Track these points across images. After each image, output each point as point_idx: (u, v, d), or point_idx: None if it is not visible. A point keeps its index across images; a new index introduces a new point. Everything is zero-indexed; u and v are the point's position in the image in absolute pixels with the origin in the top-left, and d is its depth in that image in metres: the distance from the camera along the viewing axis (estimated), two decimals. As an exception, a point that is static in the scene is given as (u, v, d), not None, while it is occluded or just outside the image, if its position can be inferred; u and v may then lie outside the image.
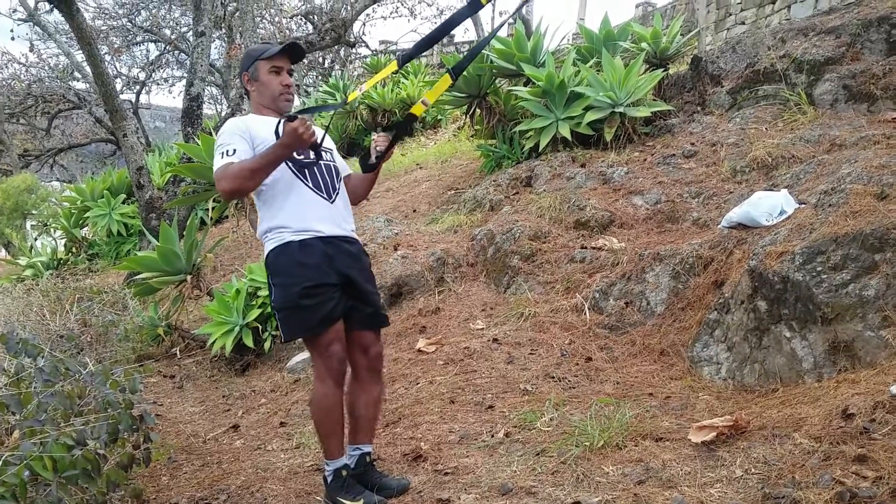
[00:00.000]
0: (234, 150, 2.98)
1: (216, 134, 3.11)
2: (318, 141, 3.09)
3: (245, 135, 3.04)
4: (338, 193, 3.18)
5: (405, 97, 12.75)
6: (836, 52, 6.17)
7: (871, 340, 3.29)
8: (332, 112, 3.15)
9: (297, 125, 2.81)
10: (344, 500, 2.97)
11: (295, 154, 3.05)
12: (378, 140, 3.25)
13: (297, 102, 20.57)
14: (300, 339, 3.23)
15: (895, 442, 2.55)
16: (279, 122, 2.93)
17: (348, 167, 3.41)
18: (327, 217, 3.10)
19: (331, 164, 3.22)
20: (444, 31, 3.10)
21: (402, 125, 3.59)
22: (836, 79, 5.98)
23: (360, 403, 3.19)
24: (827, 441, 2.71)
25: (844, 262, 3.50)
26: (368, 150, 3.30)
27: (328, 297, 3.01)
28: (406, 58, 3.19)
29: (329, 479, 3.09)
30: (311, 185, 3.09)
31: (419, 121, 13.40)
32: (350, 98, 3.21)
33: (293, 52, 3.23)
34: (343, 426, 3.11)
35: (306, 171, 3.10)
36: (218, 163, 2.98)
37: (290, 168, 3.06)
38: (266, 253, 3.12)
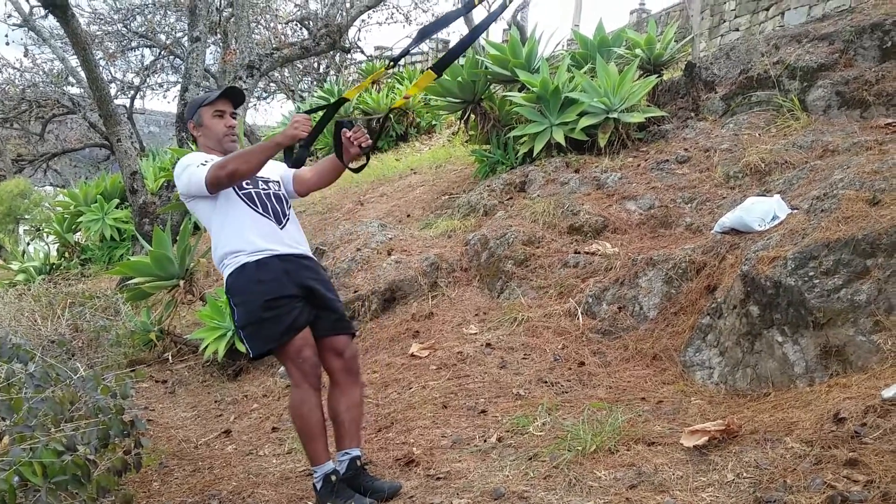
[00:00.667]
0: (208, 161, 3.11)
1: (176, 169, 3.21)
2: (301, 144, 3.09)
3: (207, 158, 3.17)
4: (288, 219, 3.28)
5: (400, 102, 12.74)
6: (829, 59, 6.20)
7: (862, 345, 3.29)
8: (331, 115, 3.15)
9: (301, 117, 2.95)
10: None
11: (243, 182, 3.17)
12: (359, 136, 3.15)
13: (291, 108, 20.57)
14: (264, 355, 3.25)
15: (886, 446, 2.55)
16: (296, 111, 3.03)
17: (288, 169, 3.40)
18: (280, 240, 3.18)
19: (279, 192, 3.33)
20: (436, 27, 3.10)
21: (384, 120, 3.67)
22: (829, 85, 6.00)
23: (341, 408, 3.21)
24: (818, 445, 2.71)
25: (836, 267, 3.51)
26: (340, 143, 3.20)
27: (290, 307, 3.07)
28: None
29: (319, 486, 3.08)
30: (260, 211, 3.19)
31: (414, 126, 13.40)
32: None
33: (234, 95, 3.38)
34: (325, 429, 3.13)
35: (255, 198, 3.20)
36: (201, 169, 3.08)
37: (239, 197, 3.16)
38: (225, 279, 3.19)
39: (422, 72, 15.77)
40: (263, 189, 3.26)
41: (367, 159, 3.31)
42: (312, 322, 3.16)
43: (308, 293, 3.15)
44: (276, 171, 3.43)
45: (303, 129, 2.95)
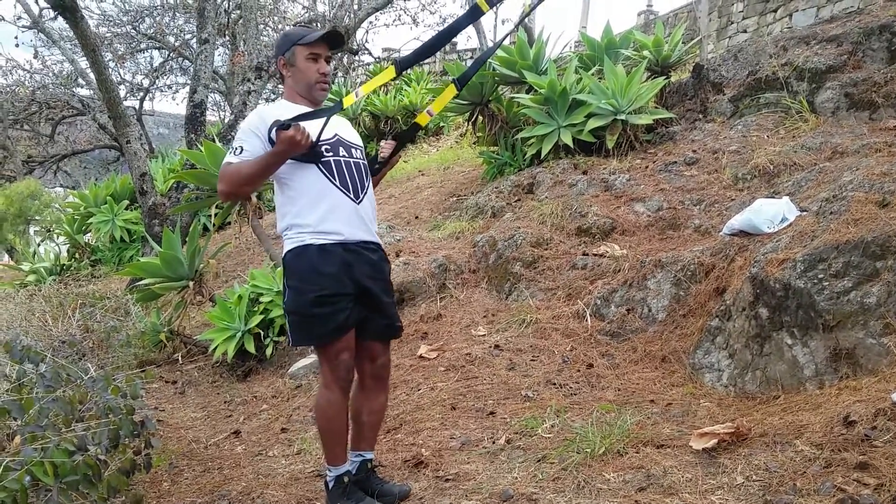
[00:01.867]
0: (241, 149, 2.91)
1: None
2: (338, 138, 3.03)
3: (259, 130, 2.93)
4: (366, 194, 3.07)
5: (407, 104, 12.78)
6: (837, 61, 6.18)
7: (872, 348, 3.28)
8: (328, 117, 3.00)
9: (291, 133, 2.72)
10: None
11: (323, 148, 2.96)
12: (384, 147, 3.25)
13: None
14: (302, 346, 3.22)
15: (896, 449, 2.54)
16: (270, 128, 2.85)
17: None
18: (352, 219, 2.99)
19: (360, 161, 3.10)
20: (444, 38, 3.08)
21: (406, 134, 3.54)
22: (838, 87, 5.99)
23: (364, 411, 3.17)
24: (828, 448, 2.70)
25: (846, 269, 3.50)
26: (376, 156, 3.28)
27: (342, 308, 2.92)
28: (405, 64, 3.09)
29: (331, 485, 3.08)
30: (338, 183, 2.97)
31: (421, 129, 13.41)
32: (346, 102, 3.10)
33: (333, 39, 3.10)
34: (347, 433, 3.09)
35: (334, 167, 2.98)
36: (225, 160, 2.95)
37: (317, 165, 2.95)
38: (284, 252, 3.02)
39: (429, 74, 15.74)
40: (344, 157, 3.03)
41: (388, 165, 3.33)
42: (360, 323, 3.03)
43: (363, 293, 3.00)
44: (357, 136, 3.22)
45: (302, 138, 2.76)
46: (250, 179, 2.89)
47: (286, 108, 3.02)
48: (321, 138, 2.94)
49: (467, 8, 3.03)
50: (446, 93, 3.15)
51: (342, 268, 2.93)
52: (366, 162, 3.16)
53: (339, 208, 2.95)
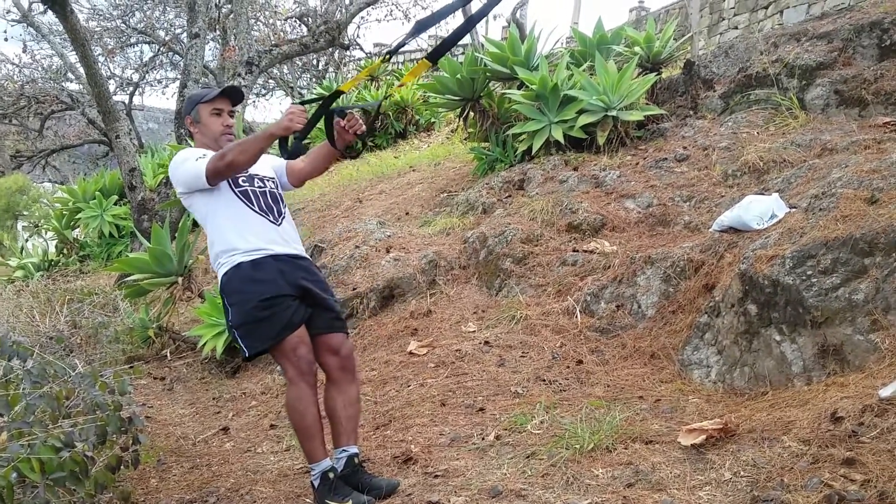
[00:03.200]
0: (205, 154, 3.13)
1: (171, 165, 3.23)
2: (296, 136, 3.09)
3: (203, 153, 3.17)
4: (283, 217, 3.29)
5: (398, 100, 12.76)
6: (827, 58, 6.20)
7: (860, 344, 3.30)
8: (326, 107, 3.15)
9: (296, 108, 2.94)
10: (332, 503, 2.97)
11: (240, 180, 3.20)
12: (353, 124, 3.14)
13: (287, 101, 20.54)
14: (259, 354, 3.25)
15: (883, 445, 2.55)
16: (292, 103, 3.04)
17: (281, 160, 3.43)
18: (276, 238, 3.19)
19: (274, 190, 3.33)
20: (433, 20, 3.07)
21: (378, 106, 3.70)
22: (828, 84, 6.01)
23: (338, 405, 3.21)
24: (816, 444, 2.71)
25: (834, 266, 3.51)
26: (332, 130, 3.18)
27: (285, 306, 3.07)
28: (395, 47, 3.28)
29: (316, 483, 3.08)
30: (256, 209, 3.20)
31: (413, 123, 13.39)
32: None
33: (232, 94, 3.38)
34: (321, 427, 3.14)
35: (251, 196, 3.21)
36: (200, 163, 3.08)
37: (234, 194, 3.17)
38: (220, 277, 3.18)
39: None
40: (259, 187, 3.27)
41: (364, 146, 3.30)
42: (308, 320, 3.17)
43: (303, 293, 3.16)
44: (269, 165, 3.43)
45: (298, 120, 2.95)
46: (249, 147, 3.03)
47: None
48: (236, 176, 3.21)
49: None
50: (419, 66, 3.12)
51: (277, 274, 3.11)
52: (278, 190, 3.38)
53: (262, 230, 3.18)
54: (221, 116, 3.34)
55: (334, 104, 3.11)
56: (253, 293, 3.06)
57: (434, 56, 3.01)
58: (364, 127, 3.16)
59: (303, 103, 3.14)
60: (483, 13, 3.16)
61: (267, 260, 3.12)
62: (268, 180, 3.35)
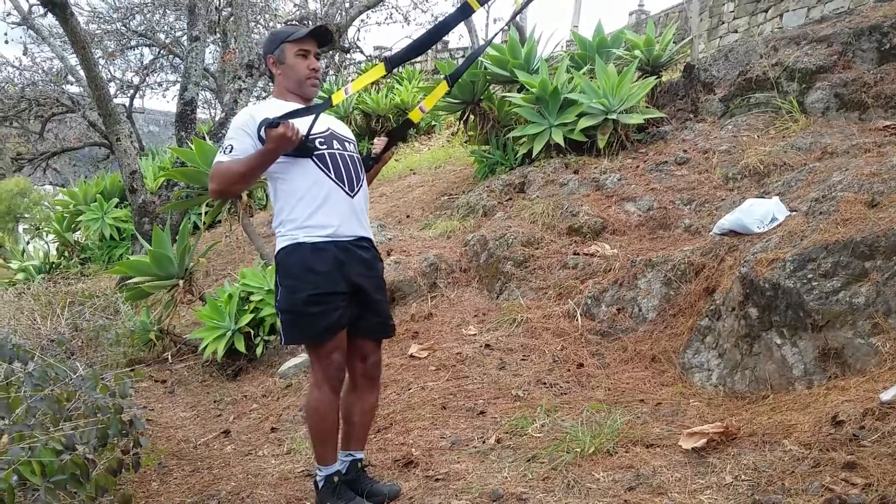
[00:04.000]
0: (232, 148, 2.90)
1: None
2: (331, 131, 3.04)
3: (249, 129, 2.92)
4: (361, 187, 3.06)
5: (399, 103, 12.77)
6: (827, 61, 6.21)
7: (860, 348, 3.30)
8: (317, 113, 3.00)
9: (281, 131, 2.73)
10: None
11: (317, 140, 2.96)
12: (376, 144, 3.22)
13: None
14: (295, 345, 3.21)
15: (884, 449, 2.55)
16: (259, 126, 2.84)
17: None
18: (346, 213, 2.97)
19: (354, 155, 3.10)
20: (434, 36, 3.05)
21: (398, 131, 3.53)
22: (828, 87, 6.01)
23: (355, 410, 3.15)
24: (817, 448, 2.71)
25: (835, 269, 3.51)
26: (369, 154, 3.25)
27: (335, 307, 2.91)
28: (395, 62, 3.09)
29: (321, 485, 3.07)
30: (333, 176, 2.96)
31: (414, 126, 13.40)
32: (335, 99, 3.03)
33: (322, 35, 3.11)
34: (337, 433, 3.08)
35: (329, 160, 2.97)
36: (218, 156, 2.95)
37: (311, 158, 2.93)
38: (277, 249, 3.01)
39: (421, 72, 15.74)
40: (339, 150, 3.02)
41: (380, 161, 3.30)
42: (353, 322, 3.02)
43: (356, 291, 3.00)
44: (349, 130, 3.22)
45: (291, 134, 2.76)
46: (242, 177, 2.88)
47: (277, 106, 3.00)
48: (314, 131, 2.93)
49: (458, 5, 3.02)
50: (438, 89, 3.14)
51: (335, 266, 2.91)
52: (359, 156, 3.15)
53: (333, 201, 2.94)
54: (308, 59, 3.06)
55: (335, 111, 3.10)
56: (306, 283, 2.89)
57: (453, 78, 3.04)
58: (379, 149, 3.20)
59: (284, 118, 2.82)
60: (501, 29, 3.19)
61: (328, 246, 2.91)
62: (349, 143, 3.11)
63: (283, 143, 2.76)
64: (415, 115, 3.33)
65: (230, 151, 2.91)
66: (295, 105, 3.01)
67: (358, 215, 3.03)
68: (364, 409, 3.17)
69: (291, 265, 2.93)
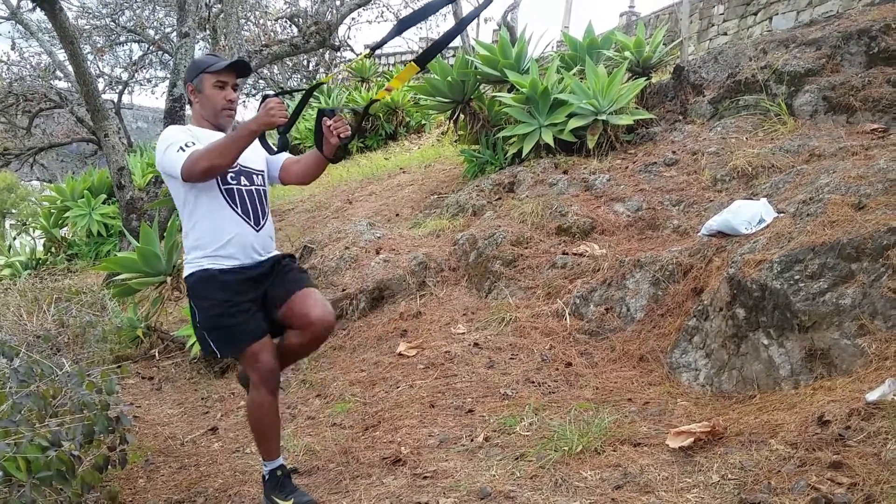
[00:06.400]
0: (192, 143, 2.98)
1: (159, 141, 3.10)
2: (280, 131, 3.02)
3: (192, 136, 3.05)
4: (265, 221, 3.22)
5: (388, 100, 12.76)
6: (816, 64, 6.24)
7: (847, 348, 3.32)
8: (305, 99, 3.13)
9: (274, 102, 2.82)
10: (277, 500, 3.05)
11: (228, 176, 3.08)
12: (339, 126, 3.03)
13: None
14: (226, 357, 3.28)
15: (870, 449, 2.57)
16: (263, 97, 2.90)
17: (282, 154, 3.31)
18: (250, 246, 3.13)
19: (261, 188, 3.23)
20: (417, 17, 3.05)
21: (365, 110, 3.61)
22: (816, 90, 6.05)
23: (293, 350, 3.24)
24: (803, 447, 2.73)
25: (822, 270, 3.54)
26: (321, 133, 3.10)
27: (249, 314, 3.07)
28: (378, 43, 3.23)
29: (266, 479, 3.15)
30: (239, 211, 3.11)
31: (403, 125, 13.40)
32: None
33: (240, 67, 3.24)
34: (278, 431, 3.18)
35: (236, 196, 3.11)
36: (181, 155, 2.94)
37: (220, 191, 3.07)
38: (185, 274, 3.16)
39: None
40: (246, 186, 3.15)
41: (347, 150, 3.25)
42: (271, 310, 3.15)
43: (265, 294, 3.17)
44: (261, 156, 3.28)
45: (278, 114, 2.83)
46: (228, 150, 2.91)
47: (198, 131, 3.16)
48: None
49: (450, 10, 3.02)
50: (406, 70, 3.09)
51: (241, 284, 3.10)
52: (266, 188, 3.27)
53: (238, 236, 3.10)
54: (225, 90, 3.17)
55: (325, 104, 3.09)
56: (217, 301, 3.05)
57: (422, 60, 2.98)
58: (349, 131, 3.06)
59: (280, 94, 2.99)
60: (473, 15, 3.17)
61: (234, 273, 3.09)
62: (257, 175, 3.23)
63: (276, 114, 2.83)
64: (380, 95, 3.38)
65: (192, 145, 2.98)
66: (211, 132, 3.15)
67: (262, 247, 3.19)
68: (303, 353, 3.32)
69: (200, 288, 3.10)
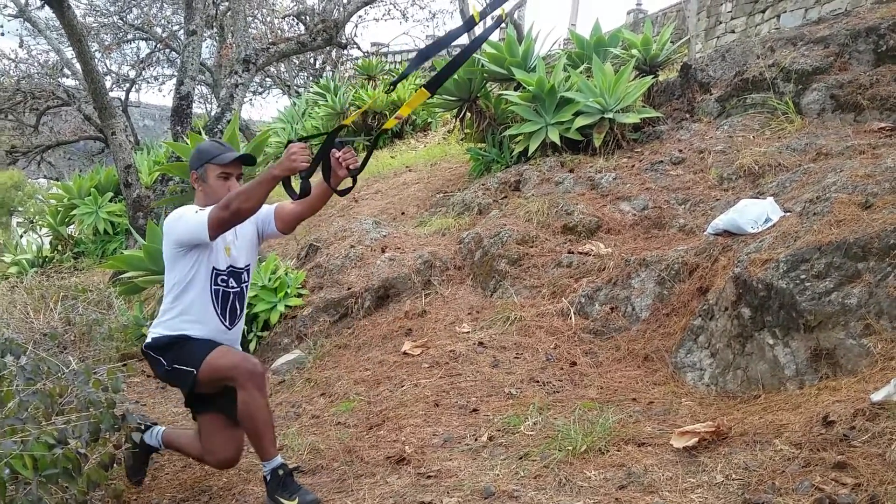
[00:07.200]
0: (198, 210, 3.12)
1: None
2: (302, 176, 3.05)
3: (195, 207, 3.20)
4: (238, 322, 3.39)
5: (395, 99, 12.76)
6: (824, 62, 6.22)
7: (852, 348, 3.31)
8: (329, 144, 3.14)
9: (297, 147, 2.87)
10: (281, 499, 3.06)
11: (219, 278, 3.25)
12: (348, 157, 3.06)
13: (286, 103, 20.53)
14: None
15: (874, 449, 2.57)
16: (287, 143, 2.97)
17: (269, 207, 3.42)
18: (220, 340, 3.27)
19: (245, 286, 3.39)
20: (438, 47, 3.09)
21: (375, 141, 3.60)
22: (824, 88, 6.02)
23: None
24: (807, 448, 2.73)
25: (828, 270, 3.52)
26: (328, 165, 3.10)
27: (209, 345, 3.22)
28: (401, 77, 3.28)
29: (268, 479, 3.16)
30: (219, 311, 3.28)
31: (409, 123, 13.40)
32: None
33: (246, 160, 3.34)
34: (272, 427, 3.20)
35: (221, 297, 3.27)
36: (200, 215, 3.06)
37: (210, 289, 3.24)
38: (151, 333, 3.31)
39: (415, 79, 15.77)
40: (233, 287, 3.32)
41: (354, 182, 3.20)
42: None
43: None
44: (249, 244, 3.43)
45: (301, 159, 2.87)
46: (253, 194, 2.97)
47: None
48: (219, 267, 3.27)
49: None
50: (417, 96, 3.10)
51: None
52: (247, 285, 3.43)
53: (213, 330, 3.27)
54: (229, 181, 3.28)
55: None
56: (181, 338, 3.24)
57: (433, 85, 3.00)
58: (358, 162, 3.08)
59: (303, 139, 3.05)
60: (481, 40, 3.21)
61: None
62: (244, 273, 3.39)
63: (299, 159, 2.89)
64: (390, 123, 3.37)
65: (204, 209, 3.10)
66: None
67: (231, 343, 3.35)
68: (257, 410, 3.23)
69: (171, 343, 3.25)
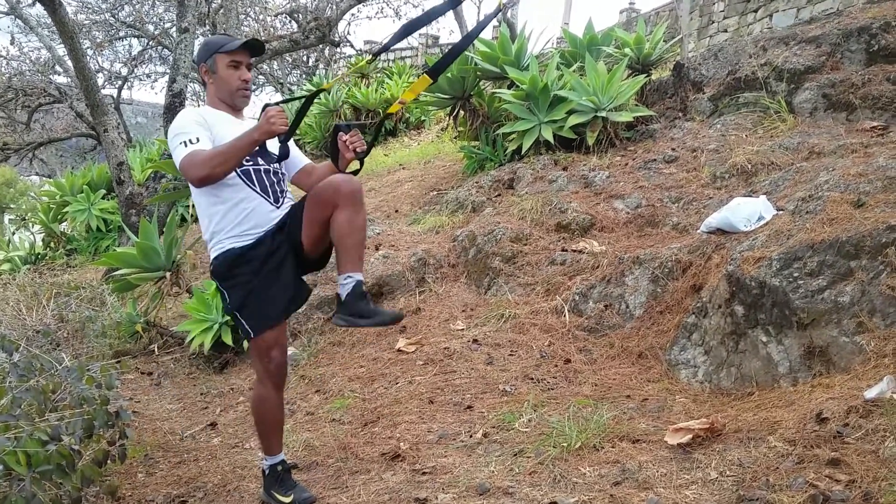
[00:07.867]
0: (198, 139, 2.93)
1: (171, 127, 3.04)
2: (281, 139, 3.04)
3: (204, 125, 3.00)
4: (285, 199, 3.18)
5: (389, 97, 12.75)
6: (816, 62, 6.24)
7: (845, 346, 3.33)
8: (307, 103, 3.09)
9: (274, 111, 2.79)
10: (277, 495, 3.09)
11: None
12: (355, 140, 3.07)
13: (277, 97, 20.49)
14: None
15: (868, 446, 2.58)
16: (263, 106, 2.87)
17: (305, 159, 3.35)
18: (270, 220, 3.09)
19: (278, 170, 3.20)
20: (420, 22, 3.06)
21: (379, 125, 3.61)
22: (816, 87, 6.05)
23: (346, 232, 2.97)
24: (801, 444, 2.74)
25: (821, 268, 3.54)
26: (336, 146, 3.11)
27: (279, 284, 3.04)
28: (380, 49, 3.23)
29: (266, 473, 3.18)
30: (258, 189, 3.08)
31: (403, 121, 13.40)
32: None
33: (254, 47, 3.18)
34: (281, 427, 3.21)
35: (253, 176, 3.08)
36: (182, 152, 2.91)
37: (236, 172, 3.02)
38: (212, 259, 3.12)
39: (411, 67, 15.75)
40: (263, 165, 3.12)
41: (362, 164, 3.21)
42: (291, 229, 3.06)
43: (286, 239, 3.07)
44: (274, 143, 3.23)
45: (279, 122, 2.79)
46: (228, 159, 2.87)
47: (212, 114, 3.11)
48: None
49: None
50: (419, 82, 3.11)
51: (266, 256, 3.05)
52: (282, 169, 3.23)
53: (258, 211, 3.06)
54: (239, 70, 3.12)
55: (321, 101, 3.08)
56: (243, 279, 3.02)
57: (435, 72, 2.99)
58: (365, 145, 3.07)
59: (281, 103, 3.03)
60: (483, 26, 3.19)
61: (256, 246, 3.04)
62: (271, 156, 3.17)
63: (277, 123, 2.79)
64: (394, 108, 3.37)
65: (197, 142, 2.92)
66: (227, 114, 3.12)
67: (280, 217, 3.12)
68: (355, 228, 2.98)
69: (226, 270, 3.05)
